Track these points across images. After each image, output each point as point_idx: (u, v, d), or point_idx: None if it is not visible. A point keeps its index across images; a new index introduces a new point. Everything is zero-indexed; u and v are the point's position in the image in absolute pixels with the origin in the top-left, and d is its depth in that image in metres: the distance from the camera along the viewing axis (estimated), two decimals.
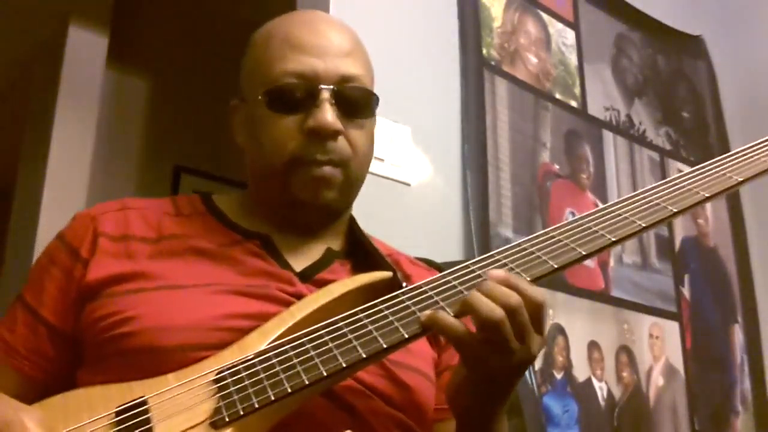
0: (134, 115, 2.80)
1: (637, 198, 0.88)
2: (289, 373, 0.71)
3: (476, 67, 1.75)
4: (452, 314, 0.74)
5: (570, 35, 2.05)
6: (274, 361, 0.73)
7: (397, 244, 1.04)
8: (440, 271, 1.02)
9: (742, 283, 2.25)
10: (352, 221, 1.00)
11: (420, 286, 0.79)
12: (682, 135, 2.28)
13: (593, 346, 1.78)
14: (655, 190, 0.89)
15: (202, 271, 0.86)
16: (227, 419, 0.69)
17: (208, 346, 0.78)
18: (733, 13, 2.54)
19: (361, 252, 0.95)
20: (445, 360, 0.94)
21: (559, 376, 1.68)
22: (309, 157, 0.89)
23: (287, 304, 0.82)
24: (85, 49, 2.57)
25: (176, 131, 2.87)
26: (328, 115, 0.88)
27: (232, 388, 0.72)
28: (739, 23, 2.53)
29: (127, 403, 0.72)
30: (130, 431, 0.69)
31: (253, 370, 0.73)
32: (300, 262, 0.91)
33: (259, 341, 0.77)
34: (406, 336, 0.74)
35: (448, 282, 0.79)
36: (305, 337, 0.75)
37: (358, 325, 0.75)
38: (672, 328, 2.00)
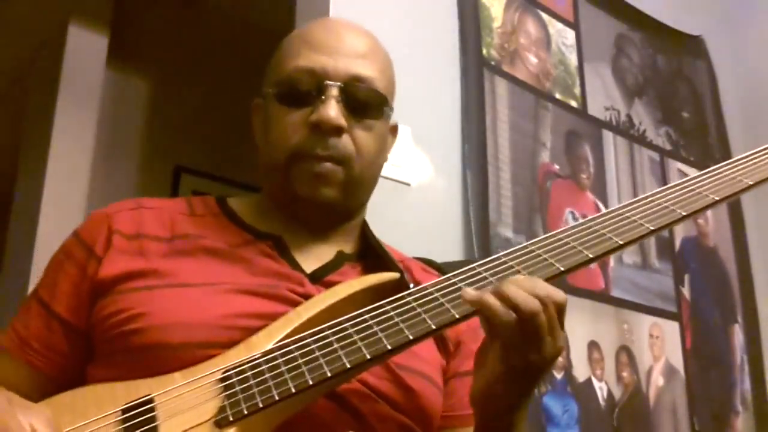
0: (134, 115, 2.80)
1: (645, 201, 0.87)
2: (294, 373, 0.72)
3: (476, 67, 1.75)
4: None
5: (570, 35, 2.05)
6: (279, 361, 0.73)
7: (397, 244, 1.04)
8: (441, 271, 1.03)
9: (742, 283, 2.24)
10: (365, 225, 1.00)
11: (426, 288, 0.79)
12: (682, 135, 2.28)
13: (593, 346, 1.78)
14: (663, 194, 0.88)
15: (212, 270, 0.87)
16: (231, 418, 0.69)
17: (216, 345, 0.79)
18: (733, 13, 2.54)
19: (372, 256, 0.96)
20: (453, 367, 0.94)
21: (559, 376, 1.68)
22: (309, 151, 0.89)
23: (296, 305, 0.83)
24: (85, 49, 2.57)
25: (176, 131, 2.87)
26: (332, 110, 0.89)
27: (237, 388, 0.72)
28: (739, 23, 2.53)
29: (133, 401, 0.72)
30: (136, 429, 0.69)
31: (258, 369, 0.73)
32: (311, 263, 0.91)
33: (265, 341, 0.78)
34: (411, 337, 0.74)
35: (454, 284, 0.78)
36: (311, 337, 0.75)
37: (363, 326, 0.75)
38: (672, 328, 2.00)
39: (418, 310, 0.76)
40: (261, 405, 0.70)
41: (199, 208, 0.96)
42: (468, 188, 1.64)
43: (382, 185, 1.00)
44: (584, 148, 1.97)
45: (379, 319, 0.76)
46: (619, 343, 1.85)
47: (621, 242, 0.82)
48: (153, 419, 0.70)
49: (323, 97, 0.89)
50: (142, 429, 0.69)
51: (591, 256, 0.80)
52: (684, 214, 0.85)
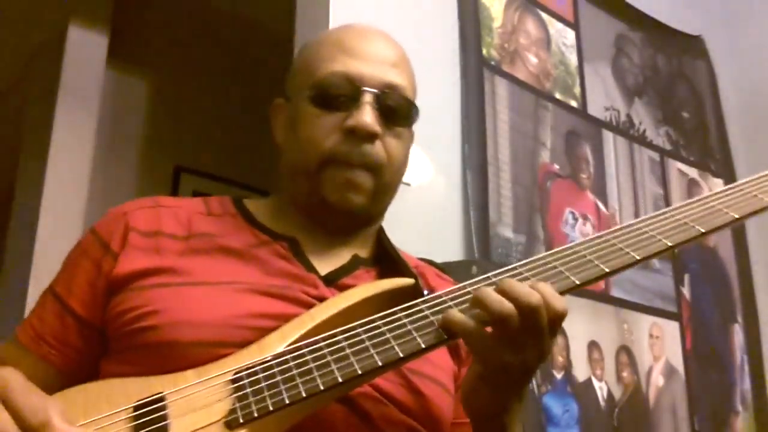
0: (134, 115, 2.80)
1: (664, 216, 0.86)
2: (305, 377, 0.72)
3: (476, 67, 1.75)
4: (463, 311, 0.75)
5: (570, 35, 2.05)
6: (291, 364, 0.73)
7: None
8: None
9: (742, 283, 2.25)
10: (381, 231, 1.00)
11: (440, 296, 0.79)
12: (682, 135, 2.28)
13: (593, 346, 1.78)
14: (682, 209, 0.87)
15: (227, 270, 0.87)
16: (241, 420, 0.70)
17: (228, 344, 0.79)
18: (733, 12, 2.54)
19: (387, 261, 0.96)
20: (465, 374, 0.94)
21: (559, 376, 1.68)
22: (343, 156, 0.90)
23: (309, 307, 0.83)
24: (85, 49, 2.57)
25: (176, 131, 2.87)
26: (368, 116, 0.89)
27: (248, 389, 0.72)
28: (739, 23, 2.53)
29: (145, 398, 0.72)
30: (147, 426, 0.69)
31: (269, 372, 0.73)
32: (325, 266, 0.92)
33: (278, 342, 0.78)
34: (423, 346, 0.74)
35: (468, 293, 0.78)
36: (323, 341, 0.75)
37: (376, 332, 0.75)
38: (672, 328, 2.00)
39: (431, 318, 0.76)
40: (271, 408, 0.70)
41: (215, 208, 0.96)
42: (468, 188, 1.65)
43: None
44: (584, 148, 1.97)
45: (391, 325, 0.76)
46: (619, 343, 1.85)
47: (638, 257, 0.81)
48: (164, 417, 0.70)
49: (358, 103, 0.90)
50: (152, 426, 0.69)
51: (607, 270, 0.80)
52: (703, 231, 0.83)
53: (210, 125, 2.93)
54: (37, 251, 2.30)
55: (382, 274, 0.93)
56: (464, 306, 0.76)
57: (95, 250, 0.90)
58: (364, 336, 0.75)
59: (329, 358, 0.73)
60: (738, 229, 2.30)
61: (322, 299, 0.85)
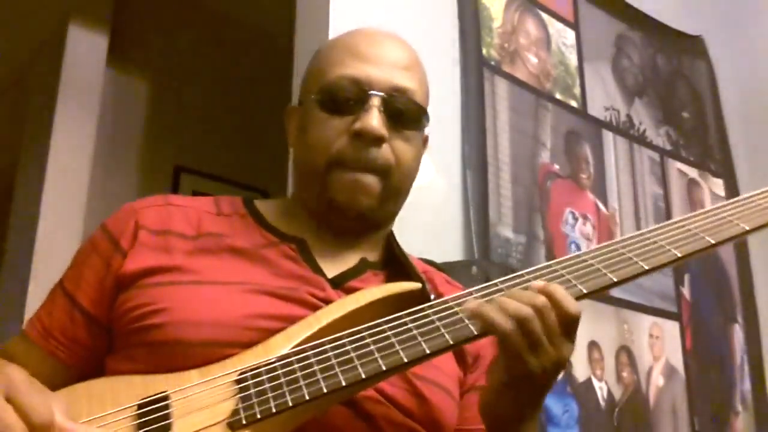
0: (134, 115, 2.80)
1: (674, 226, 0.86)
2: (309, 380, 0.72)
3: (476, 67, 1.75)
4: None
5: (570, 35, 2.05)
6: (295, 366, 0.74)
7: None
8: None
9: (742, 283, 2.24)
10: (391, 235, 1.01)
11: (446, 301, 0.79)
12: (682, 135, 2.28)
13: (593, 346, 1.78)
14: (693, 219, 0.87)
15: (235, 270, 0.87)
16: (244, 421, 0.70)
17: (234, 344, 0.79)
18: (733, 13, 2.54)
19: (396, 265, 0.96)
20: (471, 380, 0.94)
21: (559, 376, 1.68)
22: (350, 159, 0.90)
23: (316, 309, 0.83)
24: (85, 49, 2.58)
25: (176, 131, 2.87)
26: (375, 120, 0.90)
27: (252, 390, 0.72)
28: (739, 23, 2.53)
29: (149, 397, 0.73)
30: (150, 425, 0.70)
31: (274, 374, 0.73)
32: (333, 268, 0.92)
33: (283, 344, 0.78)
34: (428, 351, 0.74)
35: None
36: (328, 344, 0.76)
37: (381, 336, 0.75)
38: (672, 328, 2.00)
39: (437, 324, 0.76)
40: (274, 410, 0.70)
41: (225, 208, 0.97)
42: (468, 188, 1.64)
43: None
44: (584, 148, 1.97)
45: (397, 330, 0.76)
46: (619, 343, 1.85)
47: (647, 267, 0.80)
48: (167, 416, 0.70)
49: (366, 107, 0.91)
50: (155, 425, 0.70)
51: (615, 279, 0.80)
52: (713, 242, 0.83)
53: (210, 125, 2.93)
54: (37, 251, 2.30)
55: (390, 278, 0.93)
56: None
57: (105, 247, 0.90)
58: (369, 340, 0.75)
59: (334, 361, 0.73)
60: None
61: (328, 301, 0.85)
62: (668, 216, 2.10)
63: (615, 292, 1.88)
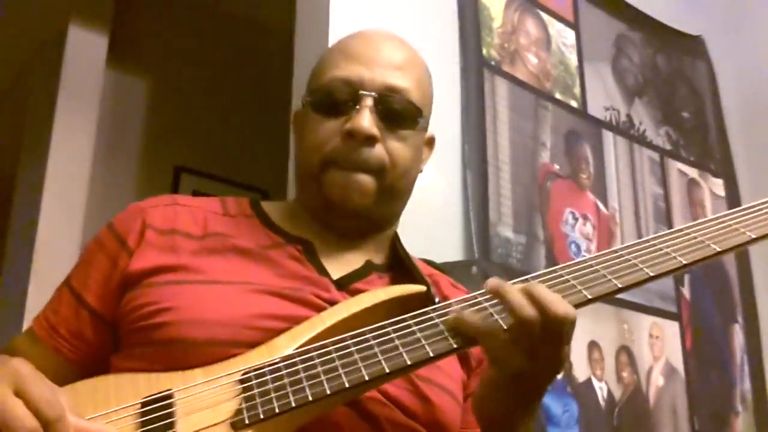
0: (134, 115, 2.80)
1: (680, 233, 0.86)
2: (312, 381, 0.72)
3: (476, 67, 1.75)
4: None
5: (570, 35, 2.05)
6: (299, 367, 0.74)
7: None
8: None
9: (742, 283, 2.24)
10: (396, 237, 1.01)
11: (450, 304, 0.79)
12: (682, 135, 2.28)
13: (593, 346, 1.78)
14: (699, 227, 0.87)
15: (240, 270, 0.88)
16: (247, 421, 0.70)
17: (238, 344, 0.79)
18: (733, 13, 2.54)
19: (401, 268, 0.96)
20: (474, 383, 0.94)
21: (559, 376, 1.68)
22: (343, 159, 0.91)
23: (320, 310, 0.83)
24: (85, 49, 2.57)
25: (176, 131, 2.87)
26: (365, 120, 0.90)
27: (255, 390, 0.72)
28: (739, 23, 2.53)
29: (153, 395, 0.73)
30: (154, 423, 0.70)
31: (277, 374, 0.74)
32: (338, 270, 0.92)
33: (287, 344, 0.78)
34: (431, 354, 0.74)
35: (479, 303, 0.78)
36: (332, 345, 0.76)
37: (385, 338, 0.76)
38: (672, 328, 2.00)
39: (441, 327, 0.76)
40: (277, 410, 0.70)
41: (232, 209, 0.98)
42: (468, 188, 1.64)
43: None
44: (584, 148, 1.97)
45: (400, 333, 0.76)
46: (619, 343, 1.85)
47: (652, 274, 0.81)
48: (171, 415, 0.71)
49: (358, 107, 0.91)
50: (159, 423, 0.70)
51: (620, 285, 0.80)
52: (718, 249, 0.83)
53: (210, 125, 2.93)
54: (37, 251, 2.30)
55: (395, 281, 0.94)
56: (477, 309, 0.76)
57: (112, 246, 0.91)
58: (373, 342, 0.75)
59: (337, 362, 0.74)
60: None
61: (333, 303, 0.85)
62: (668, 216, 2.10)
63: None
